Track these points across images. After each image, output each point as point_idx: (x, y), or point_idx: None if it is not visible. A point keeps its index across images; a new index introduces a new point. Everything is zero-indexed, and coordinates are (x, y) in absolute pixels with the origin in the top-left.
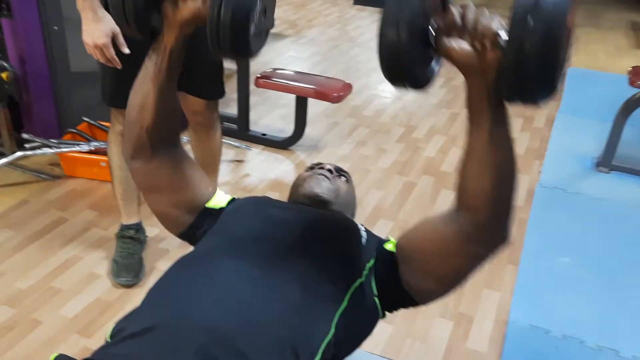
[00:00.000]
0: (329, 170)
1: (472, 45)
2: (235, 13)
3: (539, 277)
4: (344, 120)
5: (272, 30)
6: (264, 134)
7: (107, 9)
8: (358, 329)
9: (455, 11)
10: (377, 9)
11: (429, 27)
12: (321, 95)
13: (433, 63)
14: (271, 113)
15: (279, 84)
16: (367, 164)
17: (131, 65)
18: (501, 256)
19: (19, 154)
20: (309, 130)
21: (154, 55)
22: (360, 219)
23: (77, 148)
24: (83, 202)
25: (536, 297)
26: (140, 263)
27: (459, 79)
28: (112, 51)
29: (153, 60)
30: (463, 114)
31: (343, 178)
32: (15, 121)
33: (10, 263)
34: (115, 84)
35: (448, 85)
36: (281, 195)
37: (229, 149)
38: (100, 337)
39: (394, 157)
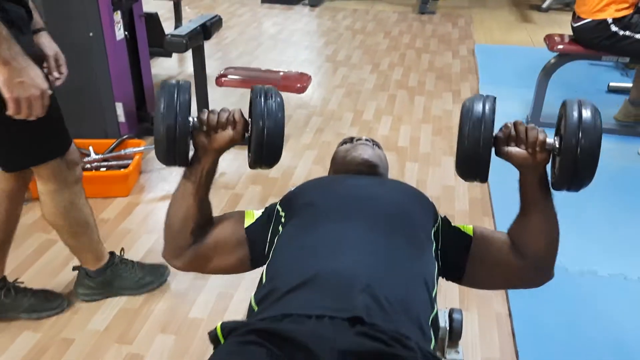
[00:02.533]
0: (367, 140)
1: (526, 150)
2: (275, 138)
3: None
4: (296, 112)
5: None
6: None
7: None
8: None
9: (510, 125)
10: (285, 6)
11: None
12: (286, 88)
13: None
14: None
15: (241, 81)
16: (332, 149)
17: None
18: (480, 218)
19: None
20: None
21: (191, 176)
22: None
23: None
24: None
25: None
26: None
27: (385, 64)
28: None
29: (191, 180)
30: (400, 94)
31: (376, 147)
32: None
33: None
34: (27, 142)
35: (377, 71)
36: (263, 187)
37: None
38: (141, 341)
39: None
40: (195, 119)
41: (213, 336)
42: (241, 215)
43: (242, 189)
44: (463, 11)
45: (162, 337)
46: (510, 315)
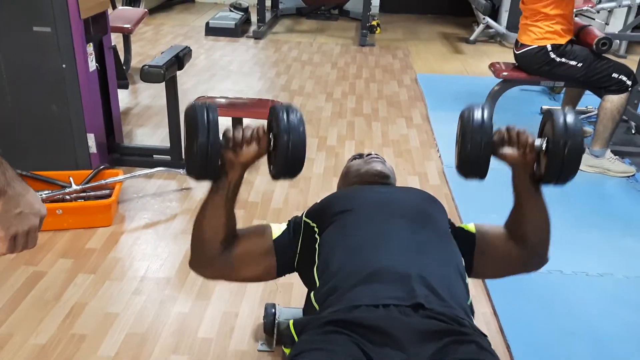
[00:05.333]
0: (376, 155)
1: (517, 151)
2: (299, 151)
3: None
4: None
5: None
6: None
7: None
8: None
9: (503, 130)
10: (229, 39)
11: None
12: (257, 114)
13: None
14: None
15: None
16: (305, 172)
17: None
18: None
19: None
20: None
21: (219, 189)
22: None
23: None
24: (51, 254)
25: None
26: None
27: (338, 93)
28: None
29: (219, 193)
30: (357, 121)
31: (384, 161)
32: None
33: (12, 323)
34: None
35: (332, 100)
36: (246, 212)
37: (170, 180)
38: None
39: (322, 163)
40: (222, 137)
41: (288, 335)
42: (266, 228)
43: None
44: (399, 43)
45: (175, 357)
46: (495, 314)
